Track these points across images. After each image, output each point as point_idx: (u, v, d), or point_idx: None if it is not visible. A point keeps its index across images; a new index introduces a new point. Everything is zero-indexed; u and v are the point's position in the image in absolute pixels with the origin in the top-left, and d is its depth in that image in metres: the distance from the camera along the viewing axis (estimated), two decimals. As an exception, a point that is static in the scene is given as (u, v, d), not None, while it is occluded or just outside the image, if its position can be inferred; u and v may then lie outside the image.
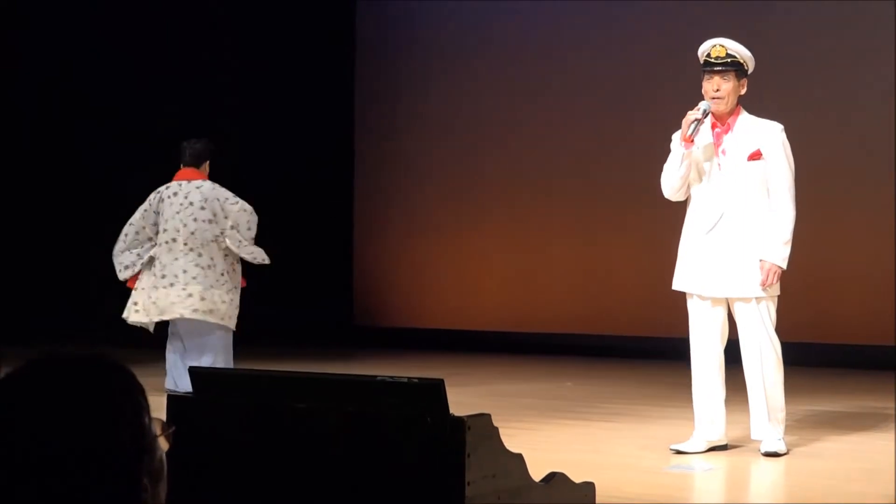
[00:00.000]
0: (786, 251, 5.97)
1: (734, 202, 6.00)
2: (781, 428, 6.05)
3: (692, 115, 5.98)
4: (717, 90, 6.01)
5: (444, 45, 12.69)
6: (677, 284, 6.18)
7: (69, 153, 12.77)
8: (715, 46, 6.05)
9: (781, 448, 5.98)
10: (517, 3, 12.26)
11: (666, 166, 6.14)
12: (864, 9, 10.58)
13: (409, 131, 12.87)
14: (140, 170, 12.41)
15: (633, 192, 11.53)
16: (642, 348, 11.20)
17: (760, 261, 5.95)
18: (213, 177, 12.26)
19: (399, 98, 12.92)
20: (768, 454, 5.95)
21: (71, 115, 12.78)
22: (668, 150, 6.20)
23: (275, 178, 12.02)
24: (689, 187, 6.13)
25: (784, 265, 5.97)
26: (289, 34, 12.79)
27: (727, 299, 6.06)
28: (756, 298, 5.98)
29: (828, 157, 10.16)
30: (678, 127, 6.09)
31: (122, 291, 8.34)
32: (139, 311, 8.10)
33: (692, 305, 6.13)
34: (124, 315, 8.17)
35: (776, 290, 6.03)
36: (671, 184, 6.12)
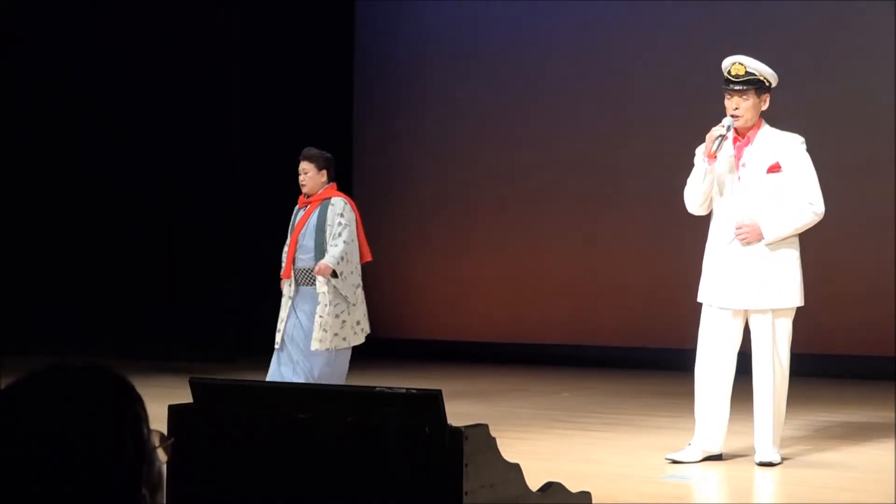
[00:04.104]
0: (779, 230, 5.97)
1: (753, 214, 6.02)
2: (778, 439, 6.08)
3: (716, 131, 6.01)
4: (737, 108, 6.05)
5: (441, 55, 12.68)
6: (701, 297, 6.19)
7: (69, 153, 12.78)
8: (735, 64, 6.07)
9: (776, 458, 6.01)
10: (516, 9, 12.25)
11: (689, 181, 6.17)
12: (863, 9, 10.59)
13: (405, 142, 12.85)
14: (140, 170, 12.44)
15: (630, 203, 11.53)
16: (638, 359, 11.20)
17: (753, 219, 5.96)
18: (217, 179, 12.27)
19: (396, 108, 12.90)
20: (762, 464, 5.97)
21: (71, 115, 12.78)
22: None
23: (270, 186, 12.04)
24: (711, 202, 6.15)
25: (768, 238, 5.97)
26: (289, 38, 12.79)
27: (745, 311, 6.08)
28: (773, 312, 6.01)
29: (827, 167, 10.13)
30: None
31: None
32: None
33: (709, 315, 6.14)
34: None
35: (797, 301, 6.04)
36: (694, 198, 6.15)
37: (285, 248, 7.96)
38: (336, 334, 7.75)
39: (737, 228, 5.98)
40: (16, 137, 12.96)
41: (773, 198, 6.03)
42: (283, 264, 7.93)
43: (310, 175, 7.87)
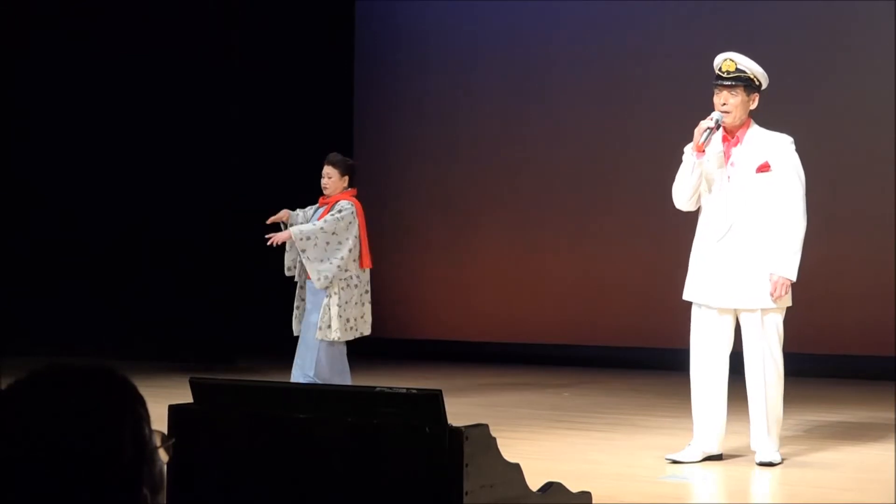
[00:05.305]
0: (795, 263, 5.99)
1: (743, 214, 6.02)
2: (777, 439, 6.08)
3: (704, 124, 6.01)
4: (724, 104, 6.05)
5: (441, 55, 12.68)
6: (687, 294, 6.19)
7: (67, 152, 12.76)
8: (726, 60, 6.09)
9: (776, 458, 6.01)
10: (516, 9, 12.24)
11: (677, 176, 6.16)
12: (863, 9, 10.59)
13: (405, 142, 12.85)
14: (139, 168, 12.43)
15: (630, 203, 11.53)
16: (639, 359, 11.21)
17: (770, 273, 5.97)
18: (217, 179, 12.25)
19: (396, 108, 12.90)
20: (763, 464, 5.97)
21: (68, 116, 12.77)
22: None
23: (271, 186, 12.03)
24: (699, 198, 6.15)
25: (793, 277, 5.99)
26: (289, 38, 12.79)
27: (735, 310, 6.08)
28: (762, 310, 6.01)
29: (827, 168, 10.16)
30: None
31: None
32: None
33: (698, 314, 6.14)
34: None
35: (787, 301, 6.05)
36: (683, 193, 6.14)
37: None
38: (333, 327, 8.03)
39: (771, 294, 5.97)
40: (16, 137, 12.94)
41: (761, 198, 6.02)
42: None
43: (333, 179, 8.16)
